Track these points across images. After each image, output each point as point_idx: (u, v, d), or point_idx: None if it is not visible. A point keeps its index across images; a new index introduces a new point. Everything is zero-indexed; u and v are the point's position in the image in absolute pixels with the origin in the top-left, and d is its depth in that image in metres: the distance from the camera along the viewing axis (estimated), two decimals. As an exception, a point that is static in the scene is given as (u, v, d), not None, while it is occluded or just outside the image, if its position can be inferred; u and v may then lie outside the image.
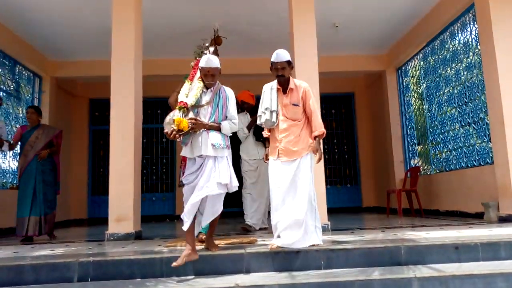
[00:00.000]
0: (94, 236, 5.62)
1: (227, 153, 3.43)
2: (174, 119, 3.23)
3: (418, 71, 7.89)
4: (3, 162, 7.09)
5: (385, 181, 8.83)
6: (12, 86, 7.41)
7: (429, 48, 7.29)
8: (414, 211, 7.11)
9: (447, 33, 6.62)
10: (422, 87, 7.70)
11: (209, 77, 3.41)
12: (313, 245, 3.42)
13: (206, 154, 3.31)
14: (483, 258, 3.52)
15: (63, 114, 8.84)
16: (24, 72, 7.79)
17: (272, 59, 3.52)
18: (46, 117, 8.08)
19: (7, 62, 7.22)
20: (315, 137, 3.47)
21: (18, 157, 5.58)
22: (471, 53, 6.03)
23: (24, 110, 7.63)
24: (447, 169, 6.78)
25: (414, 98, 8.18)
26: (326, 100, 9.97)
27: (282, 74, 3.49)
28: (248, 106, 5.59)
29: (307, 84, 3.61)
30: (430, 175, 7.35)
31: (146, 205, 8.73)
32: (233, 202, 10.80)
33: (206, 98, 3.45)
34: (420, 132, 7.92)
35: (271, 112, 3.50)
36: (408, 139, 8.38)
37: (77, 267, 3.32)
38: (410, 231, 4.50)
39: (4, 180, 7.10)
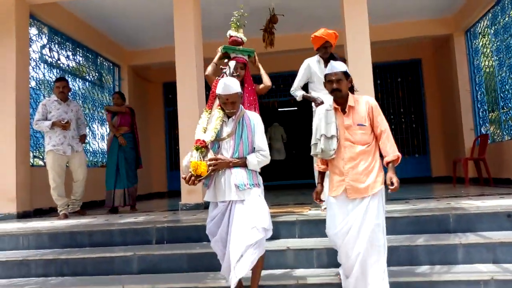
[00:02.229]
0: (170, 206, 6.35)
1: (259, 192, 2.82)
2: (193, 163, 2.69)
3: (487, 33, 7.40)
4: (93, 144, 8.12)
5: (455, 149, 8.53)
6: (95, 76, 8.36)
7: (498, 7, 6.79)
8: (483, 180, 6.87)
9: (518, -10, 6.14)
10: (492, 49, 7.24)
11: (229, 105, 2.79)
12: None
13: (230, 199, 2.76)
14: (538, 226, 3.50)
15: (141, 98, 9.75)
16: (105, 63, 8.71)
17: (326, 71, 2.85)
18: (126, 102, 9.01)
19: (90, 55, 8.14)
20: (387, 163, 2.74)
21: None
22: (543, 10, 5.58)
23: (107, 97, 8.59)
24: (519, 136, 6.43)
25: (484, 62, 7.72)
26: (392, 69, 9.75)
27: (338, 87, 2.76)
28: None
29: (371, 98, 2.89)
30: (501, 143, 7.00)
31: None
32: (300, 174, 11.18)
33: (227, 130, 2.85)
34: (491, 97, 7.50)
35: (328, 138, 2.77)
36: (479, 105, 7.97)
37: (155, 232, 3.94)
38: (467, 200, 4.50)
39: (96, 159, 8.16)
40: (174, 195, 9.43)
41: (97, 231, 4.05)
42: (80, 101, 7.68)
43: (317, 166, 3.05)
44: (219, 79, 2.99)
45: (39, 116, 5.34)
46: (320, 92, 4.27)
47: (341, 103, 2.83)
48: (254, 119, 2.91)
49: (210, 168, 2.71)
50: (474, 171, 7.13)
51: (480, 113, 7.94)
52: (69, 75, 7.44)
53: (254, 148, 2.87)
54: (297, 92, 4.47)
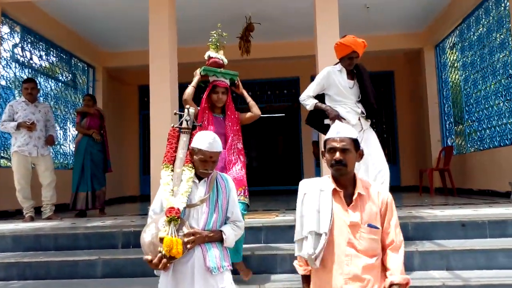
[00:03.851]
0: (140, 210, 6.33)
1: (228, 279, 2.23)
2: (163, 239, 2.05)
3: (454, 48, 7.73)
4: (64, 145, 8.01)
5: (423, 160, 8.81)
6: (69, 77, 8.27)
7: (465, 25, 7.11)
8: (448, 190, 7.13)
9: (482, 9, 6.44)
10: (458, 64, 7.56)
11: (210, 165, 2.26)
12: None
13: None
14: (490, 235, 3.69)
15: (115, 101, 9.66)
16: (79, 64, 8.62)
17: (329, 135, 1.95)
18: (100, 104, 8.92)
19: (64, 56, 8.05)
20: (391, 285, 1.85)
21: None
22: (504, 30, 5.88)
23: (80, 98, 8.50)
24: (481, 148, 6.71)
25: (451, 76, 8.04)
26: (364, 80, 9.99)
27: (342, 160, 1.85)
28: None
29: (383, 187, 1.96)
30: (464, 154, 7.29)
31: (191, 183, 9.43)
32: (274, 180, 11.30)
33: (199, 194, 2.29)
34: (457, 110, 7.81)
35: (319, 235, 1.84)
36: (446, 118, 8.28)
37: (121, 236, 3.94)
38: (427, 209, 4.67)
39: (66, 161, 8.04)
40: (146, 199, 9.34)
41: (62, 234, 4.02)
42: (52, 102, 7.58)
43: (298, 265, 2.06)
44: (174, 127, 2.55)
45: (5, 117, 5.26)
46: (337, 106, 3.72)
47: (344, 184, 1.91)
48: (229, 181, 2.41)
49: (188, 245, 2.10)
50: (440, 181, 7.38)
51: (447, 125, 8.25)
52: (42, 75, 7.33)
53: (227, 217, 2.34)
54: (308, 100, 3.84)
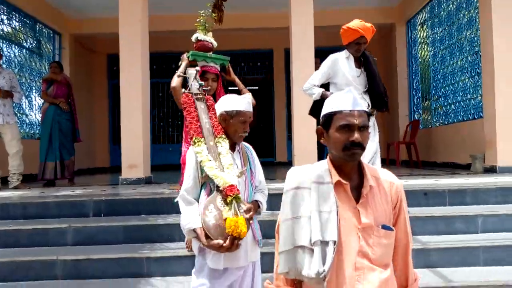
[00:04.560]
0: (111, 181, 6.29)
1: None
2: (232, 221, 1.89)
3: (425, 24, 7.88)
4: (30, 115, 7.74)
5: (392, 134, 9.08)
6: (33, 44, 7.90)
7: (435, 1, 7.24)
8: (413, 162, 7.42)
9: (453, -14, 6.58)
10: (428, 41, 7.73)
11: (247, 126, 2.14)
12: None
13: (252, 261, 2.11)
14: (449, 203, 3.91)
15: (83, 70, 9.35)
16: (44, 30, 8.23)
17: (338, 106, 1.39)
18: (67, 72, 8.59)
19: (27, 21, 7.66)
20: None
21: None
22: (472, 8, 6.04)
23: (46, 66, 8.17)
24: (446, 123, 6.99)
25: (421, 52, 8.22)
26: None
27: (362, 142, 1.35)
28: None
29: (396, 178, 1.47)
30: (430, 128, 7.57)
31: (164, 155, 9.41)
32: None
33: (237, 165, 2.16)
34: (425, 86, 8.04)
35: (325, 244, 1.32)
36: (414, 93, 8.51)
37: (92, 204, 3.92)
38: (393, 179, 4.87)
39: (32, 131, 7.80)
40: (117, 170, 9.23)
41: (31, 203, 3.96)
42: (16, 70, 7.25)
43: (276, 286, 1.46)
44: (187, 93, 2.33)
45: None
46: None
47: (348, 174, 1.42)
48: (252, 150, 2.28)
49: (251, 221, 2.03)
50: (406, 154, 7.66)
51: (415, 100, 8.49)
52: (4, 41, 6.98)
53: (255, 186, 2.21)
54: (314, 89, 3.60)
